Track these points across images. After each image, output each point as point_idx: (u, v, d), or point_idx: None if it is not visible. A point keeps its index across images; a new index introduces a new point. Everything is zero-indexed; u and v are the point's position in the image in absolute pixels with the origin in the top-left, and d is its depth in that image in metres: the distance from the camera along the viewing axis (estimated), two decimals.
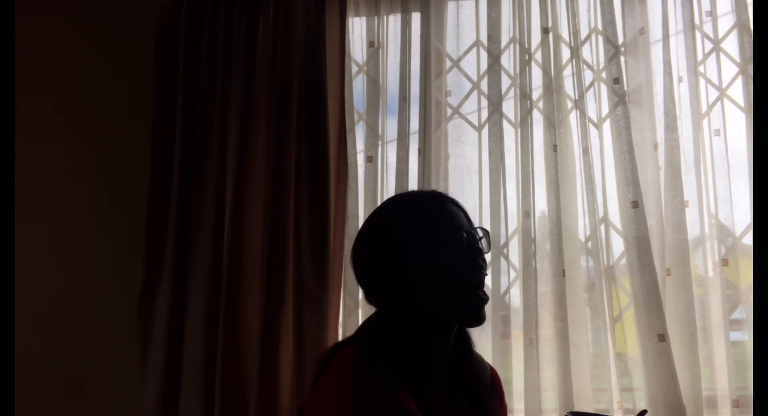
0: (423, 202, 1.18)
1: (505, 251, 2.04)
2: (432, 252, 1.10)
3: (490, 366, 1.27)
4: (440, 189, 2.08)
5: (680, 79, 2.07)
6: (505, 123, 2.12)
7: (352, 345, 1.07)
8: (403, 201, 1.23)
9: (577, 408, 1.91)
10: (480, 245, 1.13)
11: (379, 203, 2.12)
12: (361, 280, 1.17)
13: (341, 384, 0.98)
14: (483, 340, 1.98)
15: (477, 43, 2.21)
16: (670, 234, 1.98)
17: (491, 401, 1.20)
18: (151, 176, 2.13)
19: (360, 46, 2.25)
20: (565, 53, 2.12)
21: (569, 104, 2.09)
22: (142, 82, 2.21)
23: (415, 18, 2.22)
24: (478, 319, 1.11)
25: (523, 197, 2.04)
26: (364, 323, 1.16)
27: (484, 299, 1.11)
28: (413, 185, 2.09)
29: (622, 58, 2.10)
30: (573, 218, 2.03)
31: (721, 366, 1.90)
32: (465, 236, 1.12)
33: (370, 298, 1.16)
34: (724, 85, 2.05)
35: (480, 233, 1.15)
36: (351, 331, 2.02)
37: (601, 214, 2.02)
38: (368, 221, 1.21)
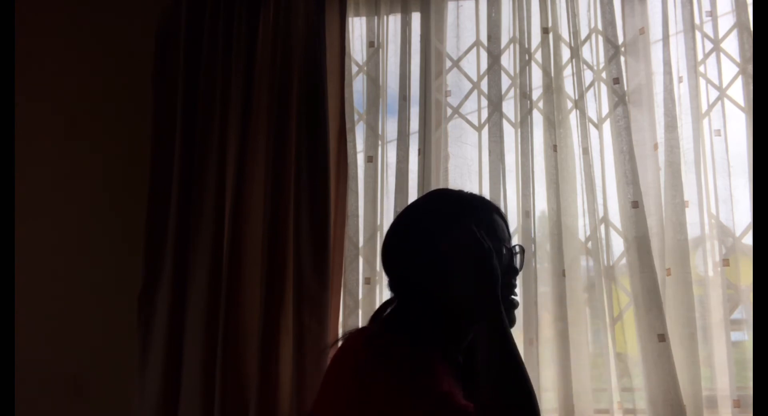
0: (467, 205, 1.15)
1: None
2: (462, 260, 1.08)
3: None
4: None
5: (680, 79, 2.07)
6: (505, 123, 2.12)
7: (370, 330, 1.07)
8: (447, 200, 1.19)
9: (577, 408, 1.90)
10: (516, 264, 1.13)
11: (379, 203, 2.14)
12: (389, 268, 1.16)
13: (365, 365, 0.98)
14: None
15: (477, 43, 2.21)
16: (670, 234, 1.98)
17: None
18: (151, 176, 2.14)
19: (360, 46, 2.25)
20: (565, 53, 2.12)
21: (569, 104, 2.09)
22: (142, 82, 2.21)
23: (415, 18, 2.22)
24: (510, 322, 1.11)
25: (523, 197, 2.04)
26: (379, 314, 1.15)
27: (515, 304, 1.13)
28: (413, 185, 2.09)
29: (622, 58, 2.10)
30: (573, 218, 2.03)
31: (722, 366, 1.89)
32: (504, 251, 1.11)
33: (392, 286, 1.15)
34: (724, 85, 2.05)
35: (517, 249, 1.14)
36: None
37: (601, 214, 2.02)
38: (409, 211, 1.20)
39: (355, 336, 1.06)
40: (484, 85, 2.16)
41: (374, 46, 2.23)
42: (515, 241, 2.02)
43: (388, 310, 1.15)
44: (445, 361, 1.09)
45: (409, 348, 1.02)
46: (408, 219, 1.18)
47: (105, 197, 2.28)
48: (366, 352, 1.00)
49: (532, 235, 2.02)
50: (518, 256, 1.15)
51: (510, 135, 2.12)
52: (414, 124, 2.15)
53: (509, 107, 2.14)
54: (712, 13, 2.09)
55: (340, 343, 1.08)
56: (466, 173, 2.13)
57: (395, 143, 2.13)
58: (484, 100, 2.16)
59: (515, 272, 1.13)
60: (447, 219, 1.12)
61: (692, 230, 1.97)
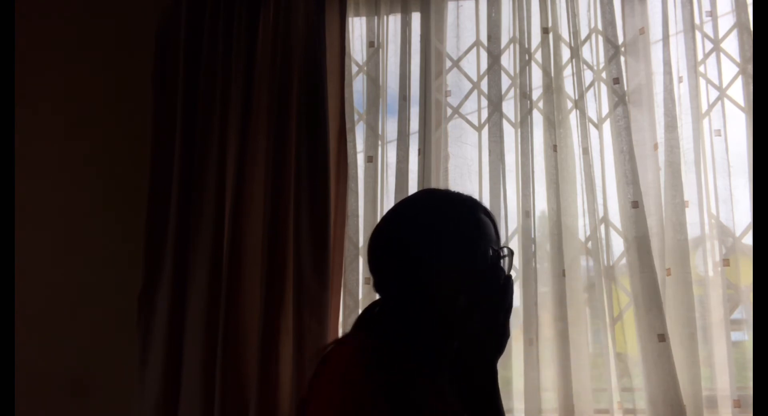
0: (455, 203, 1.15)
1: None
2: (450, 256, 1.08)
3: None
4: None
5: (680, 79, 2.07)
6: (505, 123, 2.12)
7: (357, 338, 1.07)
8: (434, 198, 1.20)
9: (577, 408, 1.90)
10: (502, 264, 1.10)
11: (379, 203, 2.14)
12: (376, 268, 1.15)
13: (355, 373, 0.98)
14: None
15: (477, 43, 2.21)
16: (670, 234, 1.98)
17: None
18: (151, 176, 2.14)
19: (360, 46, 2.25)
20: (565, 53, 2.12)
21: (569, 104, 2.09)
22: (142, 82, 2.21)
23: (415, 18, 2.22)
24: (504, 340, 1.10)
25: (523, 197, 2.04)
26: (364, 319, 1.15)
27: (510, 305, 1.10)
28: (413, 185, 2.09)
29: (622, 58, 2.10)
30: (573, 218, 2.03)
31: (722, 366, 1.90)
32: (491, 251, 1.09)
33: (379, 287, 1.15)
34: (724, 85, 2.05)
35: (505, 251, 1.12)
36: None
37: (601, 214, 2.02)
38: (395, 211, 1.19)
39: (346, 345, 1.06)
40: (484, 85, 2.16)
41: (374, 46, 2.23)
42: (515, 241, 2.04)
43: (376, 311, 1.14)
44: (436, 363, 1.09)
45: (401, 355, 1.01)
46: (397, 218, 1.17)
47: (105, 197, 2.28)
48: (356, 361, 0.99)
49: (532, 235, 2.01)
50: (506, 259, 1.12)
51: (510, 135, 2.12)
52: (414, 124, 2.15)
53: (509, 107, 2.14)
54: (712, 13, 2.09)
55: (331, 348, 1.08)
56: (466, 173, 2.13)
57: (395, 143, 2.13)
58: (484, 100, 2.16)
59: (502, 272, 1.09)
60: (437, 216, 1.12)
61: (692, 230, 1.97)
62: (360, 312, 2.05)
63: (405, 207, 1.19)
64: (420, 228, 1.11)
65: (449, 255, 1.08)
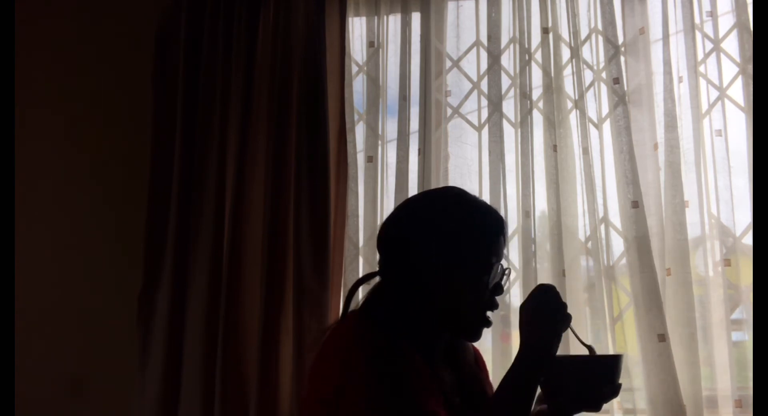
0: (487, 219, 1.16)
1: (505, 251, 2.04)
2: (464, 268, 1.10)
3: (471, 344, 1.29)
4: None
5: (680, 79, 2.07)
6: (505, 123, 2.12)
7: (352, 320, 1.11)
8: (468, 206, 1.18)
9: None
10: (503, 285, 1.15)
11: (379, 203, 2.14)
12: (380, 253, 1.18)
13: (348, 344, 1.02)
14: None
15: (477, 43, 2.21)
16: (670, 234, 1.98)
17: (480, 375, 1.26)
18: (151, 176, 2.14)
19: (360, 46, 2.25)
20: (565, 53, 2.12)
21: (569, 104, 2.09)
22: (142, 82, 2.21)
23: (415, 18, 2.22)
24: (474, 337, 1.15)
25: (523, 197, 2.04)
26: (368, 302, 1.16)
27: (489, 322, 1.14)
28: (413, 185, 2.09)
29: (622, 58, 2.10)
30: (573, 218, 2.03)
31: (722, 366, 1.89)
32: (499, 271, 1.14)
33: (388, 269, 1.16)
34: (724, 85, 2.05)
35: (507, 272, 1.17)
36: None
37: (601, 214, 2.02)
38: (422, 204, 1.20)
39: (344, 327, 1.09)
40: (484, 85, 2.16)
41: (374, 46, 2.23)
42: (515, 241, 2.04)
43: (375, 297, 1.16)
44: (430, 351, 1.11)
45: (392, 341, 1.04)
46: (416, 214, 1.17)
47: (105, 197, 2.28)
48: (352, 347, 1.03)
49: (532, 235, 2.01)
50: (506, 277, 1.17)
51: (510, 135, 2.12)
52: (414, 124, 2.15)
53: (509, 107, 2.14)
54: (712, 13, 2.08)
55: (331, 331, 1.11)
56: (466, 173, 2.13)
57: (395, 143, 2.13)
58: (484, 100, 2.16)
59: (501, 291, 1.14)
60: (458, 227, 1.13)
61: (692, 230, 1.97)
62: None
63: (437, 202, 1.19)
64: (442, 235, 1.12)
65: (459, 268, 1.10)
